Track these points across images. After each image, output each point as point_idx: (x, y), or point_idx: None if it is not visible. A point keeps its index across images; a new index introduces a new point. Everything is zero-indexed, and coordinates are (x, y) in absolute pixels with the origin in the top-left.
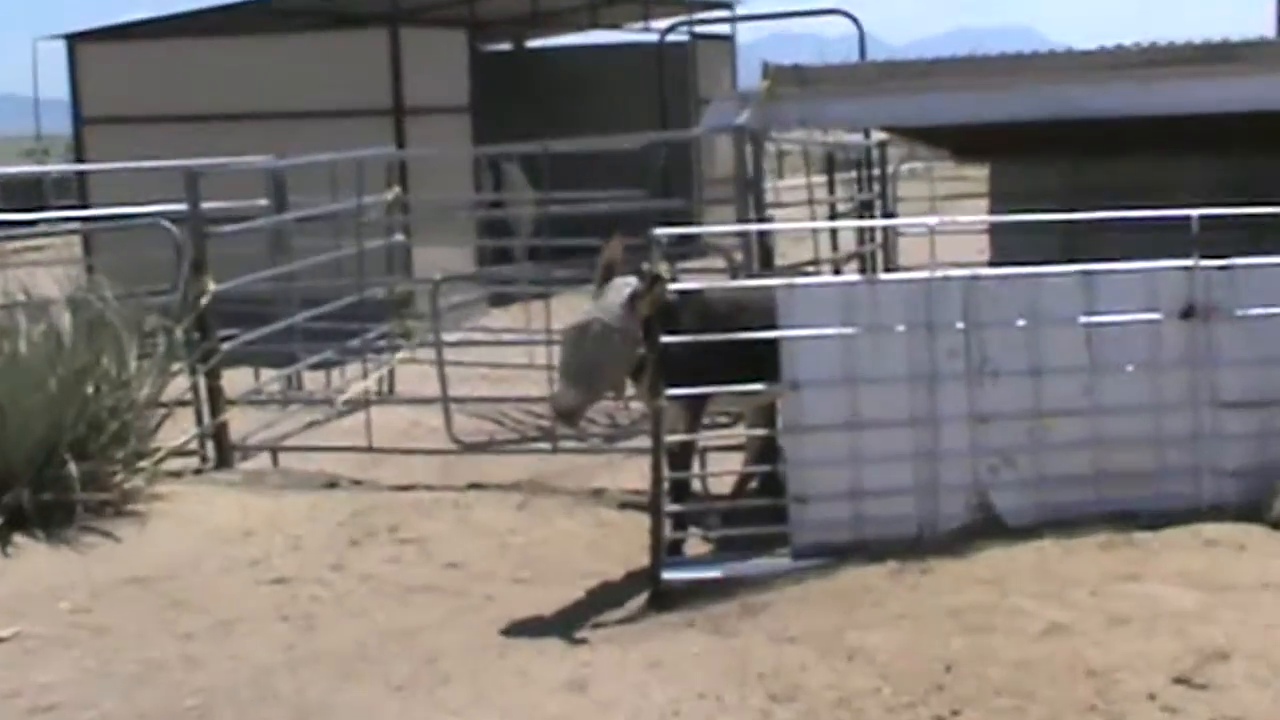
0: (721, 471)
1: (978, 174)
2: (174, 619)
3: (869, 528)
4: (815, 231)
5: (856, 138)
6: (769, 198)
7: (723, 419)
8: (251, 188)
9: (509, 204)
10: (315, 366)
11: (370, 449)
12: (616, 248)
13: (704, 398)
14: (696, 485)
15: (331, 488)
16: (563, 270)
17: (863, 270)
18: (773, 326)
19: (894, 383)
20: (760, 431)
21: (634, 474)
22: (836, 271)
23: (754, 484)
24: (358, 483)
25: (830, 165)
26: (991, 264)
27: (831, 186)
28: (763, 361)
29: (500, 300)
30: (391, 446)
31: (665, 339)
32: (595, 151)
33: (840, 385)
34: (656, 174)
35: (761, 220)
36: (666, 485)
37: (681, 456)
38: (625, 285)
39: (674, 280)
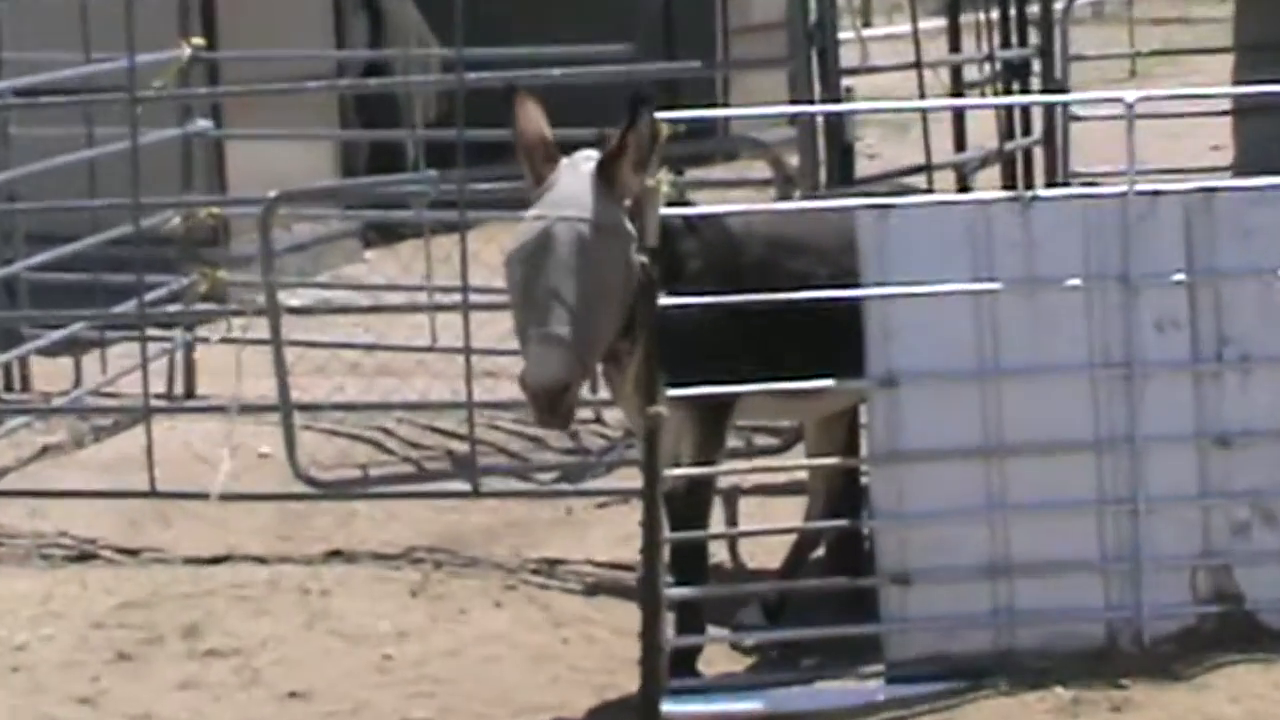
0: (763, 529)
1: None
2: None
3: (1022, 629)
4: (925, 114)
5: None
6: (846, 57)
7: (763, 437)
8: None
9: (395, 66)
10: (52, 350)
11: (152, 494)
12: (527, 115)
13: (730, 401)
14: (720, 552)
15: (83, 562)
16: (489, 183)
17: (1009, 182)
18: (848, 279)
19: (1062, 376)
20: (830, 461)
21: (610, 533)
22: (963, 185)
23: (819, 551)
24: (129, 552)
25: (955, 3)
26: (1236, 170)
27: (954, 36)
28: (832, 339)
29: (382, 234)
30: (189, 489)
31: (665, 299)
32: None
33: (969, 381)
34: (653, 14)
35: (832, 96)
36: (668, 553)
37: (693, 502)
38: (586, 156)
39: (681, 200)
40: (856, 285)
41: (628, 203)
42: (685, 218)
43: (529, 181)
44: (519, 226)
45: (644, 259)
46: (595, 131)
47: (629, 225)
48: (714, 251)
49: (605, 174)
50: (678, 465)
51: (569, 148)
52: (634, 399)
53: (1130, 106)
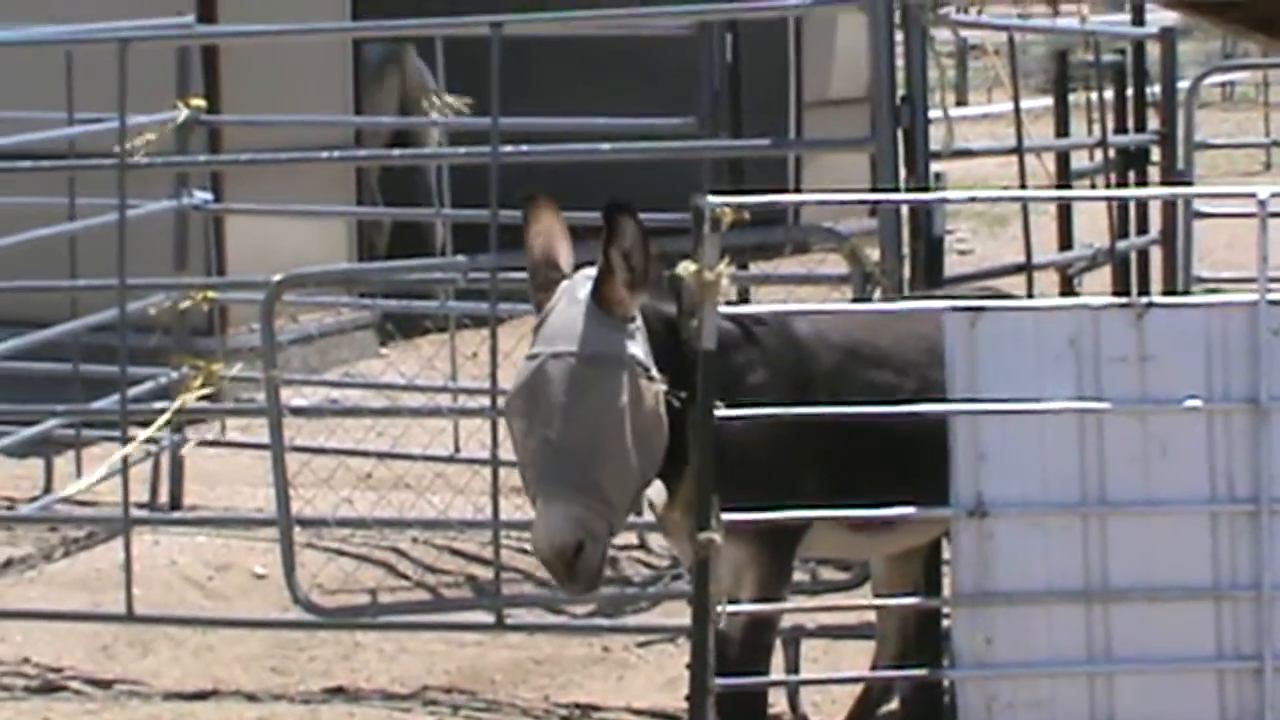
0: (828, 678)
1: None
2: None
3: None
4: (1026, 207)
5: (1113, 20)
6: (940, 138)
7: (830, 571)
8: None
9: (418, 135)
10: (20, 450)
11: (129, 617)
12: (539, 231)
13: (798, 532)
14: (779, 702)
15: (48, 694)
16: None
17: (1121, 287)
18: (936, 396)
19: (1178, 511)
20: (909, 602)
21: (653, 676)
22: (1068, 288)
23: (891, 703)
24: (101, 684)
25: (1061, 75)
26: None
27: (1062, 118)
28: (915, 464)
29: (402, 326)
30: (171, 613)
31: (723, 410)
32: (594, 38)
33: (1070, 513)
34: (713, 86)
35: (919, 184)
36: (717, 704)
37: (752, 646)
38: (585, 277)
39: (735, 296)
40: (944, 398)
41: (634, 325)
42: (744, 321)
43: (532, 292)
44: (519, 367)
45: (662, 386)
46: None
47: (634, 349)
48: (778, 361)
49: (598, 297)
50: (734, 601)
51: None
52: (683, 524)
53: (1263, 203)
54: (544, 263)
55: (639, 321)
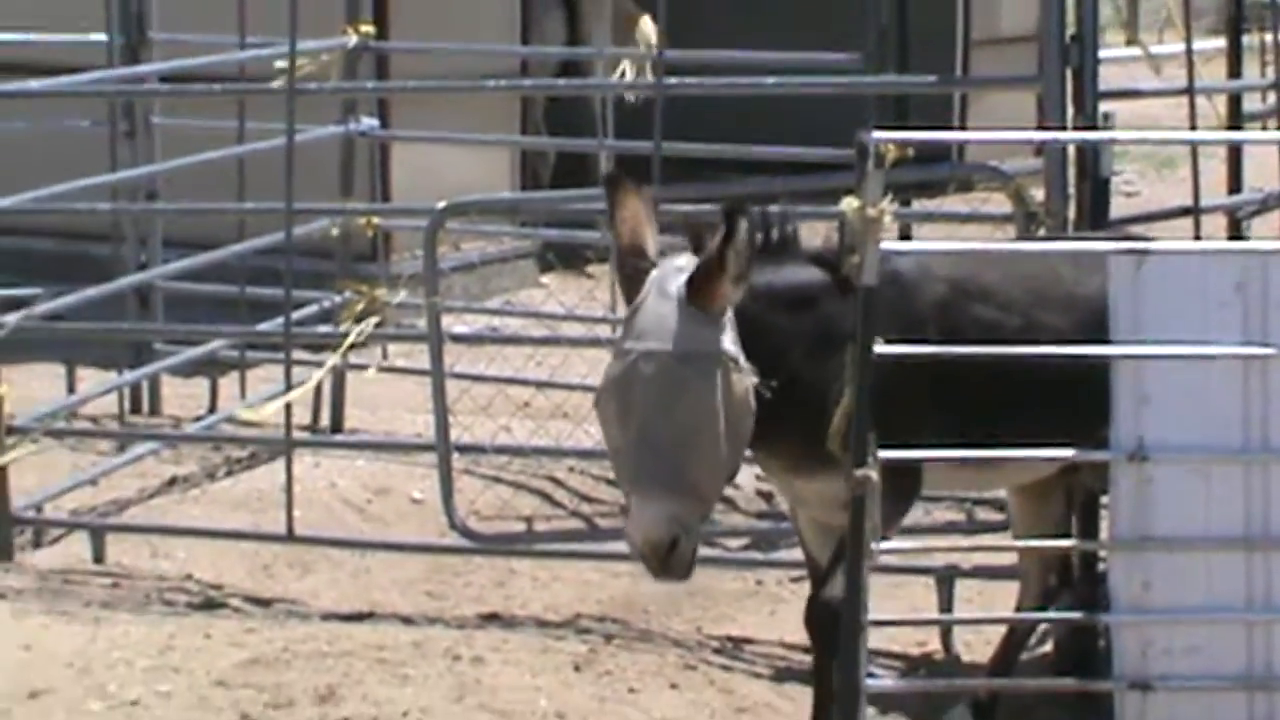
0: (982, 617)
1: None
2: None
3: None
4: (1196, 149)
5: None
6: (1108, 78)
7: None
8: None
9: (591, 67)
10: (186, 370)
11: (289, 538)
12: (626, 216)
13: (917, 470)
14: (933, 641)
15: (208, 610)
16: (686, 202)
17: None
18: (1038, 334)
19: None
20: (1068, 544)
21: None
22: (1236, 232)
23: (1044, 645)
24: (261, 602)
25: (1235, 13)
26: None
27: (1235, 59)
28: (1034, 400)
29: (564, 256)
30: (331, 535)
31: (882, 347)
32: None
33: (1232, 459)
34: (880, 22)
35: (1088, 123)
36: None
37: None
38: (677, 268)
39: (906, 234)
40: (1045, 341)
41: (728, 317)
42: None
43: (625, 299)
44: (610, 361)
45: (753, 378)
46: (685, 226)
47: (727, 343)
48: (888, 298)
49: (696, 294)
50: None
51: (786, 169)
52: (782, 475)
53: None
54: (631, 251)
55: (729, 313)
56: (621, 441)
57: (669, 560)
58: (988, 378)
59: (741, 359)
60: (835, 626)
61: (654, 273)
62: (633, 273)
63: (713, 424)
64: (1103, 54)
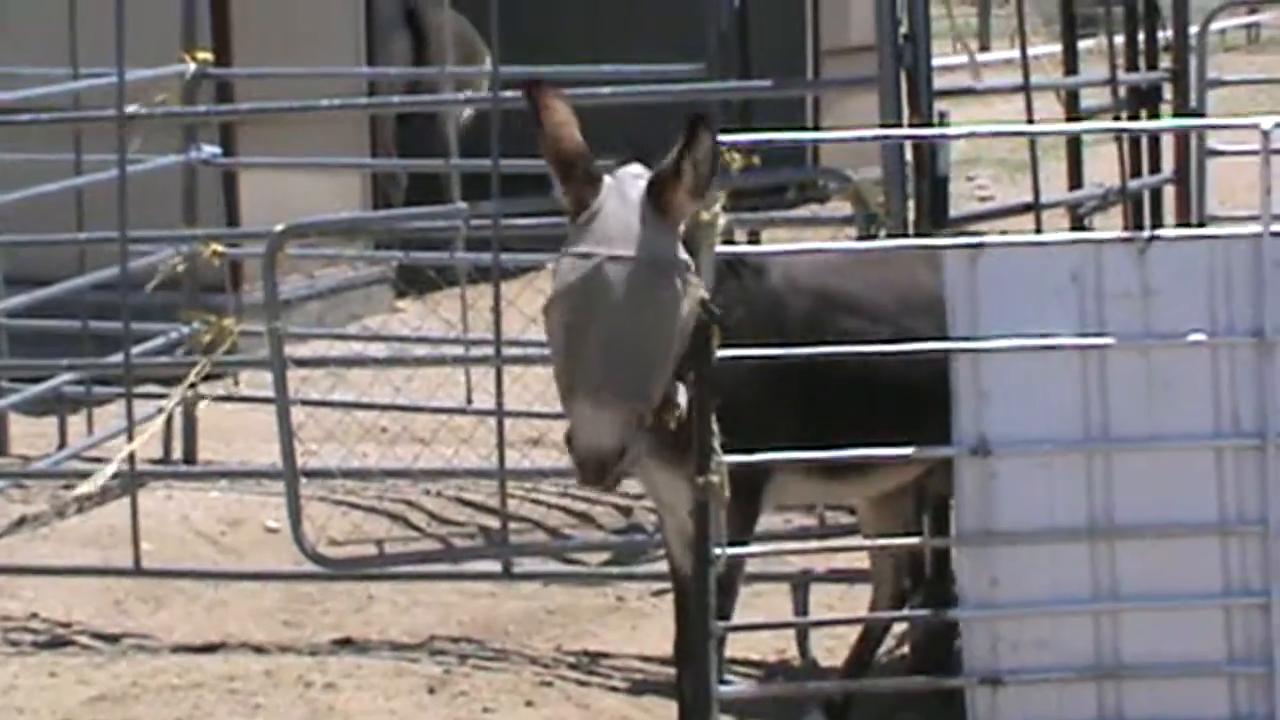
0: (836, 619)
1: None
2: None
3: None
4: (1034, 145)
5: None
6: (945, 80)
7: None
8: None
9: (438, 84)
10: (32, 407)
11: (138, 572)
12: (555, 116)
13: (763, 477)
14: (790, 647)
15: (55, 649)
16: (530, 217)
17: (1134, 226)
18: (903, 339)
19: (1183, 447)
20: (913, 542)
21: (667, 624)
22: (1079, 227)
23: (899, 647)
24: (109, 638)
25: (1069, 17)
26: None
27: (1070, 57)
28: (885, 407)
29: (421, 280)
30: (180, 566)
31: (720, 351)
32: None
33: (1074, 451)
34: (720, 30)
35: (923, 122)
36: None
37: (719, 590)
38: (634, 175)
39: (729, 239)
40: (943, 337)
41: (681, 229)
42: (731, 259)
43: (567, 206)
44: (561, 265)
45: (704, 294)
46: (627, 145)
47: (685, 257)
48: (756, 304)
49: (657, 199)
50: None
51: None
52: (656, 466)
53: (1266, 134)
54: (574, 152)
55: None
56: (577, 347)
57: (613, 469)
58: (846, 388)
59: (694, 268)
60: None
61: (608, 180)
62: (585, 177)
63: (671, 332)
64: (950, 61)
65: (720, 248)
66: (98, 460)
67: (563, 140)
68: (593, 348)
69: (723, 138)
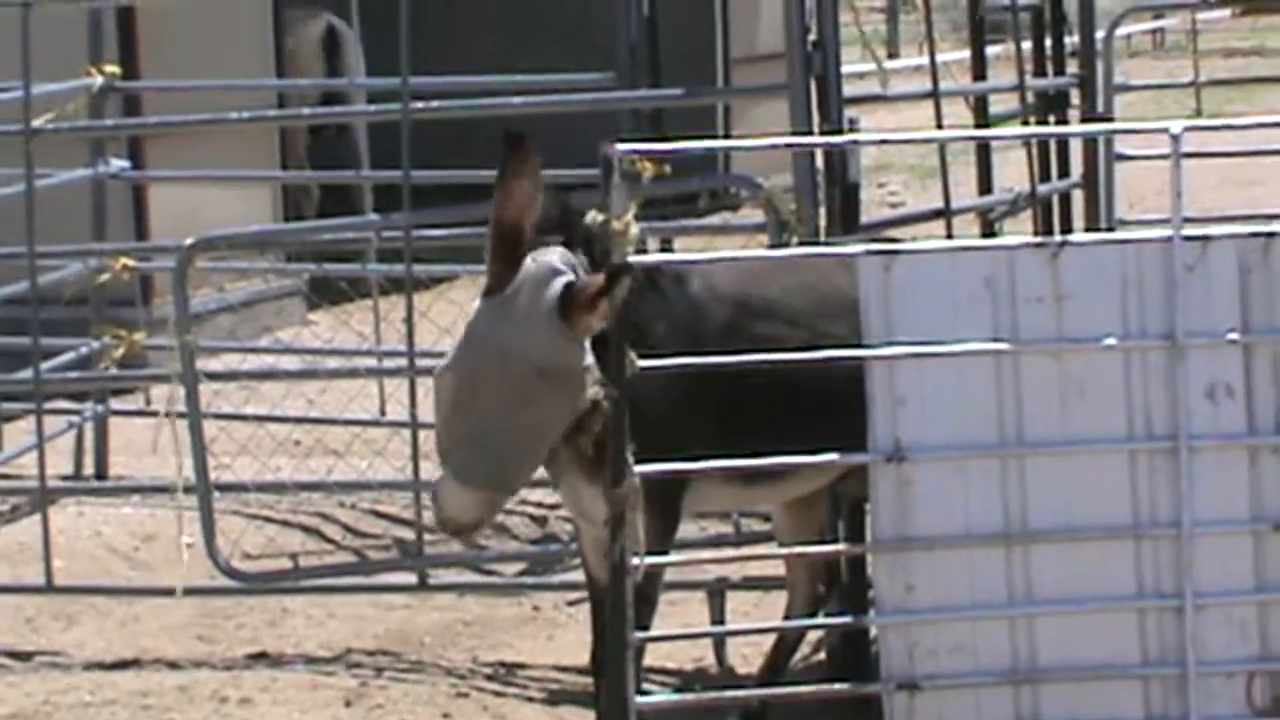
0: (751, 628)
1: None
2: None
3: None
4: (944, 150)
5: None
6: (855, 87)
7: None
8: None
9: (349, 99)
10: None
11: (50, 589)
12: (523, 187)
13: (681, 484)
14: (707, 656)
15: None
16: (442, 228)
17: (1044, 230)
18: (820, 344)
19: (1097, 452)
20: (829, 549)
21: (583, 634)
22: (989, 233)
23: (816, 653)
24: (21, 656)
25: (977, 25)
26: None
27: (979, 62)
28: (803, 415)
29: (329, 294)
30: (92, 583)
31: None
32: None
33: (988, 456)
34: (630, 39)
35: (835, 131)
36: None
37: (636, 599)
38: (553, 271)
39: (643, 247)
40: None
41: (586, 340)
42: (648, 269)
43: (489, 257)
44: (465, 333)
45: (599, 393)
46: (559, 206)
47: (588, 359)
48: (674, 314)
49: (566, 313)
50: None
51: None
52: (576, 478)
53: (1176, 138)
54: (514, 227)
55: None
56: (452, 423)
57: (469, 533)
58: (764, 395)
59: (595, 369)
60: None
61: (530, 266)
62: (508, 255)
63: (549, 435)
64: (861, 68)
65: (635, 258)
66: (8, 477)
67: (510, 210)
68: (467, 432)
69: (633, 147)
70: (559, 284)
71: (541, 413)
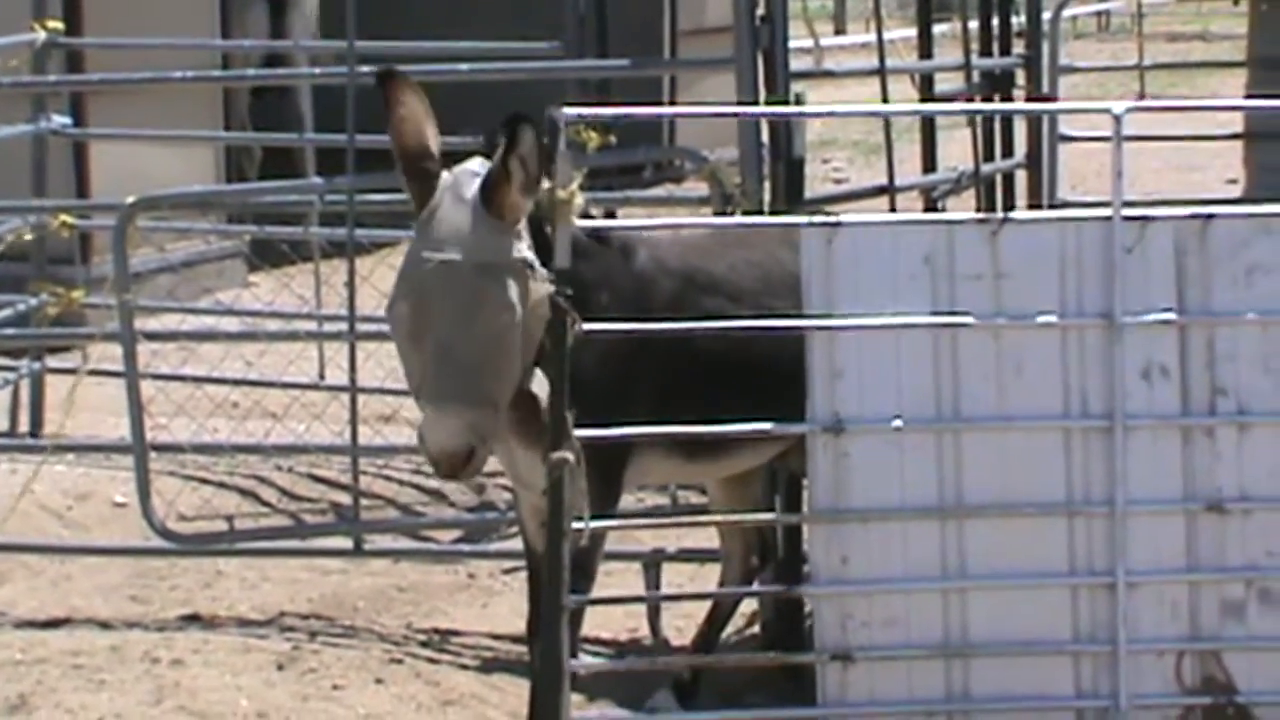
0: (685, 594)
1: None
2: None
3: (980, 718)
4: (889, 126)
5: None
6: (802, 62)
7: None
8: None
9: (291, 61)
10: None
11: None
12: (408, 110)
13: (623, 454)
14: (642, 629)
15: None
16: (386, 193)
17: (987, 208)
18: (788, 309)
19: (1032, 428)
20: (767, 518)
21: (517, 602)
22: (931, 207)
23: (750, 627)
24: None
25: (924, 3)
26: (1246, 197)
27: (925, 41)
28: (744, 387)
29: (270, 255)
30: (25, 541)
31: (585, 325)
32: None
33: (925, 431)
34: (578, 9)
35: (780, 100)
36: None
37: (574, 568)
38: (471, 174)
39: (587, 214)
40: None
41: (521, 226)
42: (591, 234)
43: (411, 201)
44: (401, 265)
45: (553, 288)
46: (481, 136)
47: (526, 253)
48: (621, 284)
49: (489, 201)
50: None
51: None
52: (515, 444)
53: (1118, 119)
54: (416, 151)
55: (524, 220)
56: (415, 353)
57: (463, 468)
58: (706, 367)
59: (538, 265)
60: None
61: (446, 176)
62: (422, 174)
63: (510, 334)
64: (805, 42)
65: (582, 223)
66: None
67: (407, 136)
68: (430, 353)
69: (578, 111)
70: (479, 180)
71: (494, 312)
